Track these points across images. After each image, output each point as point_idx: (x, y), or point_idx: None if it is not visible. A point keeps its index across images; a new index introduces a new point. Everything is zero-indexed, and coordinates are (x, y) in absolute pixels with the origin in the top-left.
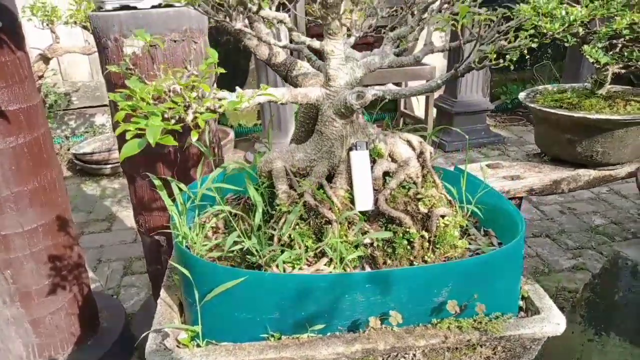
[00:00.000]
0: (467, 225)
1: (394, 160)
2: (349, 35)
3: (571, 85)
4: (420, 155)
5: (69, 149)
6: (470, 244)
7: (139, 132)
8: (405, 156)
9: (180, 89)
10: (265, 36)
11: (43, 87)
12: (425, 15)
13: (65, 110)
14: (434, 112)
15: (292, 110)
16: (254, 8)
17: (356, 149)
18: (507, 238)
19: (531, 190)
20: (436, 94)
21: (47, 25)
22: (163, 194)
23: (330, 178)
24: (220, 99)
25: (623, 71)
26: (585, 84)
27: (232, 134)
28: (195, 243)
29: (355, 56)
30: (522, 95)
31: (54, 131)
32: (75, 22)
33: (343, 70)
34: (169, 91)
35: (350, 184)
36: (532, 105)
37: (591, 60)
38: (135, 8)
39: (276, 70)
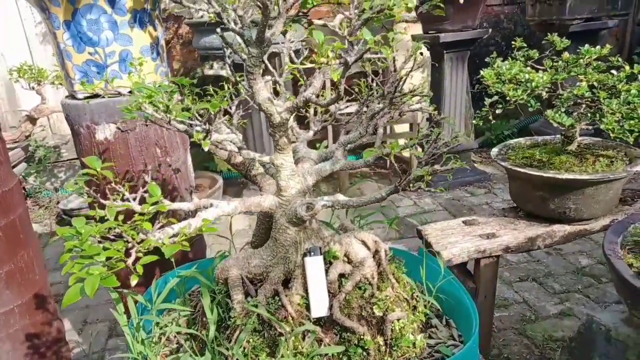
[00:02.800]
0: (427, 316)
1: (349, 260)
2: (307, 129)
3: (544, 138)
4: (376, 254)
5: (58, 202)
6: (431, 336)
7: (80, 278)
8: (361, 256)
9: (122, 232)
10: (224, 139)
11: (32, 142)
12: (373, 121)
13: (55, 163)
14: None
15: None
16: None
17: (310, 255)
18: (466, 331)
19: (507, 248)
20: (422, 126)
21: (33, 87)
22: (119, 307)
23: (287, 281)
24: (161, 239)
25: (590, 127)
26: (558, 135)
27: (220, 181)
28: None
29: (310, 156)
30: (494, 152)
31: (42, 185)
32: (60, 84)
33: (294, 180)
34: (113, 229)
35: (306, 289)
36: (504, 164)
37: (554, 124)
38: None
39: (236, 169)
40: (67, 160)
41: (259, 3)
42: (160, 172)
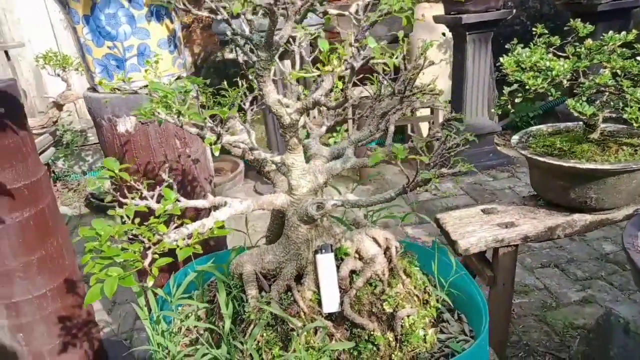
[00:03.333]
0: (439, 310)
1: (360, 257)
2: (344, 104)
3: (566, 125)
4: (387, 250)
5: (87, 185)
6: (442, 331)
7: (100, 279)
8: (372, 253)
9: (140, 235)
10: (235, 141)
11: (60, 127)
12: (384, 118)
13: (82, 147)
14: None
15: None
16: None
17: (321, 252)
18: (477, 326)
19: (526, 237)
20: (441, 118)
21: (59, 74)
22: (140, 300)
23: (300, 277)
24: (175, 240)
25: (614, 115)
26: (581, 122)
27: (242, 165)
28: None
29: (322, 153)
30: (514, 140)
31: (71, 168)
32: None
33: (305, 179)
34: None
35: (318, 285)
36: (524, 152)
37: (575, 113)
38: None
39: (251, 165)
40: (94, 144)
41: (265, 8)
42: (180, 163)
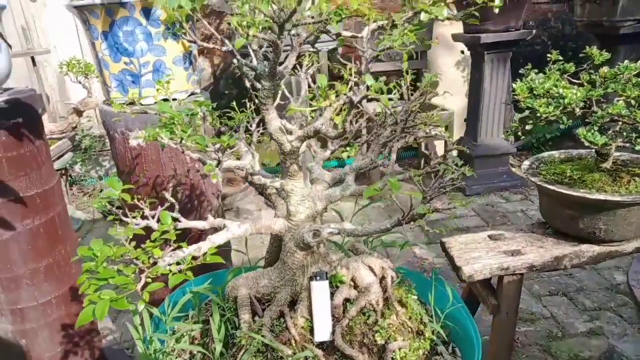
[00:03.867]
0: (434, 342)
1: (356, 286)
2: (324, 148)
3: (579, 152)
4: (382, 279)
5: (101, 190)
6: None
7: (93, 301)
8: (367, 282)
9: (135, 258)
10: (237, 166)
11: (79, 132)
12: (385, 148)
13: (100, 152)
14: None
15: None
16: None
17: (316, 279)
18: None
19: (531, 266)
20: (456, 136)
21: (80, 81)
22: (135, 319)
23: (294, 303)
24: (169, 266)
25: (627, 145)
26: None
27: None
28: None
29: (324, 178)
30: (525, 166)
31: (87, 173)
32: None
33: (304, 205)
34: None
35: (311, 312)
36: (534, 179)
37: (586, 143)
38: (140, 104)
39: (254, 187)
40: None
41: (269, 42)
42: (189, 178)
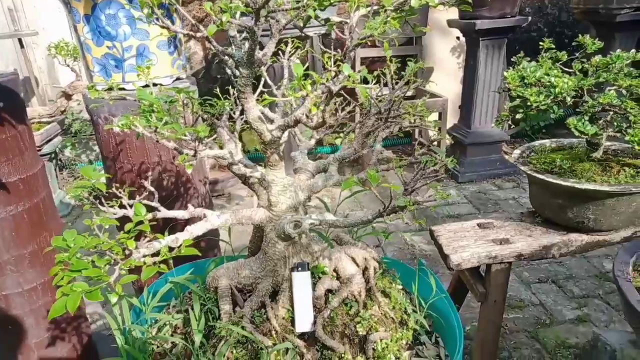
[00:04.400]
0: (417, 332)
1: (338, 276)
2: (310, 138)
3: (570, 141)
4: (365, 270)
5: None
6: (418, 354)
7: (65, 293)
8: (349, 273)
9: (109, 249)
10: (215, 155)
11: (68, 116)
12: (369, 137)
13: (90, 136)
14: (447, 141)
15: None
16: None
17: (297, 270)
18: (452, 351)
19: (520, 255)
20: (450, 123)
21: (69, 64)
22: (114, 308)
23: (275, 293)
24: (143, 258)
25: (617, 135)
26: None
27: None
28: None
29: (308, 167)
30: (516, 154)
31: (78, 157)
32: None
33: (285, 196)
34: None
35: (293, 303)
36: (524, 168)
37: (577, 133)
38: (123, 89)
39: (237, 176)
40: None
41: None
42: (174, 164)
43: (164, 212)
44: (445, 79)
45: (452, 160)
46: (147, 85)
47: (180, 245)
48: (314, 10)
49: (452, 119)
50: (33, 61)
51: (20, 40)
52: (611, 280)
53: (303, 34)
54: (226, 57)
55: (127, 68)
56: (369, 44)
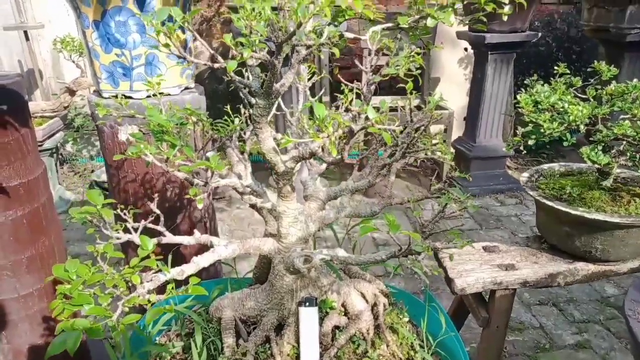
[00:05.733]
0: None
1: (346, 312)
2: (321, 162)
3: (579, 166)
4: (374, 306)
5: (92, 171)
6: None
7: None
8: (358, 309)
9: (113, 286)
10: (226, 184)
11: (71, 110)
12: (383, 170)
13: (92, 131)
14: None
15: None
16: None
17: (305, 305)
18: None
19: (525, 282)
20: (454, 135)
21: (74, 60)
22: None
23: (281, 327)
24: (147, 295)
25: (629, 164)
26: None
27: (248, 165)
28: None
29: (319, 195)
30: (524, 178)
31: (79, 152)
32: None
33: (295, 227)
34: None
35: (298, 339)
36: (532, 193)
37: (589, 162)
38: (130, 97)
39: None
40: None
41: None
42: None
43: (169, 238)
44: (452, 90)
45: (474, 206)
46: (155, 95)
47: (188, 279)
48: (339, 24)
49: (457, 132)
50: (38, 54)
51: (25, 33)
52: (612, 306)
53: (314, 53)
54: (242, 86)
55: (135, 77)
56: (377, 54)
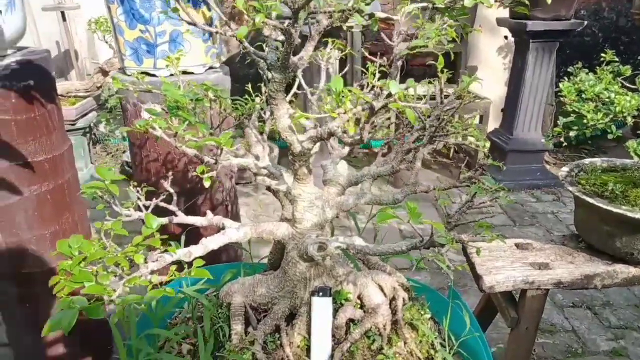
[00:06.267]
0: None
1: (362, 305)
2: (343, 145)
3: (623, 162)
4: (393, 300)
5: (124, 151)
6: None
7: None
8: (375, 302)
9: (115, 264)
10: (238, 164)
11: (105, 91)
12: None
13: None
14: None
15: None
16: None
17: (318, 295)
18: None
19: (559, 283)
20: (491, 127)
21: (107, 40)
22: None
23: (292, 316)
24: (149, 275)
25: None
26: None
27: (276, 150)
28: None
29: (339, 180)
30: (563, 172)
31: (112, 133)
32: None
33: (311, 212)
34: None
35: (310, 330)
36: (571, 188)
37: (635, 157)
38: (154, 75)
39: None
40: None
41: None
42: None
43: (181, 218)
44: (490, 79)
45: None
46: (174, 74)
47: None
48: (367, 4)
49: (493, 123)
50: (74, 34)
51: (62, 13)
52: None
53: (346, 29)
54: (258, 59)
55: (159, 54)
56: (409, 37)
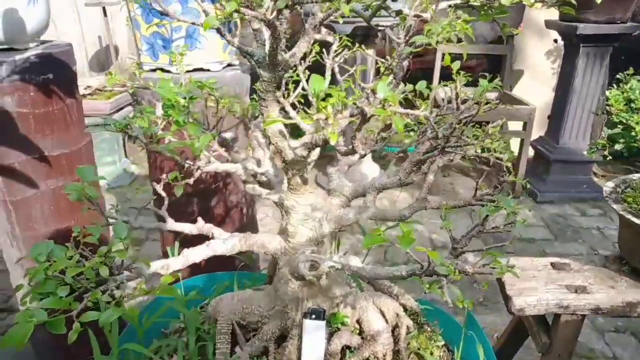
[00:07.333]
0: None
1: (361, 330)
2: (354, 153)
3: None
4: (395, 328)
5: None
6: None
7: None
8: (375, 328)
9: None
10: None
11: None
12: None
13: None
14: (530, 153)
15: None
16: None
17: (310, 318)
18: None
19: (597, 309)
20: (535, 135)
21: None
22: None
23: (283, 338)
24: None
25: None
26: None
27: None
28: None
29: (343, 191)
30: (608, 188)
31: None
32: None
33: (306, 226)
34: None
35: (300, 355)
36: (616, 206)
37: None
38: (169, 72)
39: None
40: None
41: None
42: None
43: (170, 224)
44: (536, 85)
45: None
46: (197, 69)
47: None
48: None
49: (538, 130)
50: (114, 30)
51: (104, 9)
52: None
53: (373, 27)
54: (246, 56)
55: (174, 49)
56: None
